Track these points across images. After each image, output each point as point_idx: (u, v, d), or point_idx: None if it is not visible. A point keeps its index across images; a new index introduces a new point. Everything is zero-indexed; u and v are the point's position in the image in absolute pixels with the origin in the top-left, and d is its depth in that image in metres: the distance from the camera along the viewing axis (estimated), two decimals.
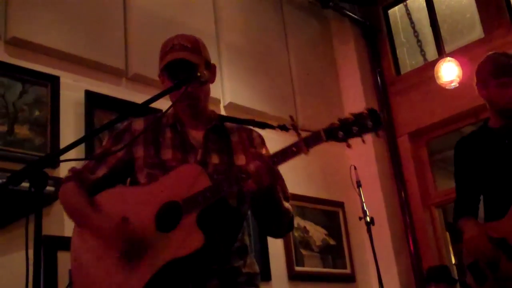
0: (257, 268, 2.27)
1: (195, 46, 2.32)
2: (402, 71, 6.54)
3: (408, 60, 6.62)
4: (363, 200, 4.41)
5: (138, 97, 4.16)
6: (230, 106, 4.99)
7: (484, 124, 3.20)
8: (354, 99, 6.26)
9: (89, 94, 4.00)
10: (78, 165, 2.38)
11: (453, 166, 3.20)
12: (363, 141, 1.93)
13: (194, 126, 2.34)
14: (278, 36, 5.80)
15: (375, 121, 1.91)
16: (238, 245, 2.20)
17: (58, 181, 3.38)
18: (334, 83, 6.37)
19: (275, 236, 2.45)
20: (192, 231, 2.02)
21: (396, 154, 6.18)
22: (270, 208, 2.18)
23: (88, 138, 3.67)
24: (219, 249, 2.11)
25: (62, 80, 3.88)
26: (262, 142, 2.40)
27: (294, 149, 1.97)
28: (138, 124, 2.35)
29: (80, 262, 2.19)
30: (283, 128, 2.32)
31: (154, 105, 2.23)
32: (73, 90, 3.96)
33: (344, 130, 1.93)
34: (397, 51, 6.63)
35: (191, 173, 2.13)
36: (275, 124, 2.39)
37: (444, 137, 6.23)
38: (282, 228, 2.31)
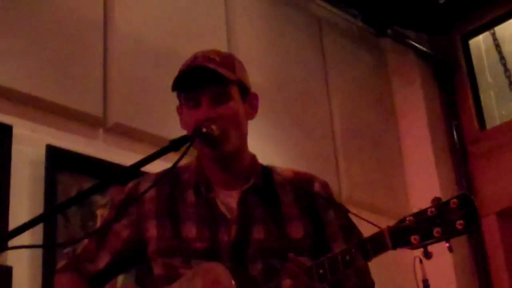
0: None
1: (226, 60, 2.34)
2: (489, 125, 6.54)
3: (497, 110, 6.62)
4: None
5: (121, 155, 4.16)
6: None
7: None
8: (421, 163, 6.27)
9: (52, 151, 4.01)
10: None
11: None
12: (450, 249, 1.81)
13: (226, 185, 2.33)
14: (315, 75, 5.84)
15: (469, 218, 1.76)
16: None
17: (5, 271, 3.38)
18: (392, 140, 6.38)
19: None
20: None
21: (479, 240, 6.13)
22: None
23: (49, 216, 3.64)
24: None
25: (15, 130, 3.90)
26: (329, 202, 2.37)
27: (347, 257, 1.93)
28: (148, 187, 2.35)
29: None
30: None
31: (146, 168, 2.24)
32: (30, 144, 3.97)
33: (420, 233, 1.82)
34: (482, 97, 6.64)
35: (216, 278, 2.11)
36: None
37: None
38: None
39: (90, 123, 4.29)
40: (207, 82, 2.26)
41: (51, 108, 4.12)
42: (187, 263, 2.19)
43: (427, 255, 1.84)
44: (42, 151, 4.01)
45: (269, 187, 2.35)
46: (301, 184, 2.37)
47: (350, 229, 2.37)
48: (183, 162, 2.26)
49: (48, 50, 4.18)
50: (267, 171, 2.40)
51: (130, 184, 2.38)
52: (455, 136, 6.48)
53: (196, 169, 2.36)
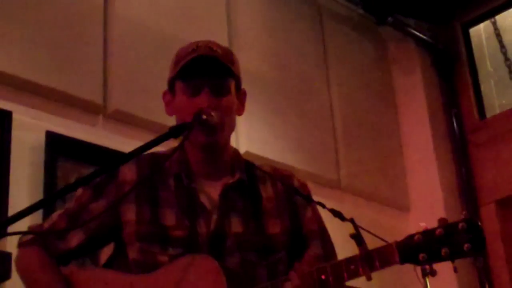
0: None
1: (227, 53, 2.36)
2: (488, 114, 6.53)
3: (497, 99, 6.61)
4: None
5: (120, 142, 4.17)
6: (245, 156, 4.96)
7: None
8: (420, 152, 6.26)
9: (51, 137, 4.02)
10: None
11: None
12: (455, 269, 1.89)
13: (209, 176, 2.35)
14: (315, 62, 5.84)
15: (475, 241, 1.84)
16: None
17: (4, 257, 3.39)
18: (391, 128, 6.38)
19: None
20: None
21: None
22: None
23: (49, 202, 3.64)
24: None
25: (15, 116, 3.91)
26: (307, 201, 2.40)
27: (352, 267, 1.96)
28: (129, 171, 2.35)
29: None
30: (336, 214, 2.24)
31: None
32: (30, 130, 3.98)
33: (428, 251, 1.88)
34: (482, 86, 6.64)
35: (206, 274, 2.11)
36: (327, 207, 2.31)
37: None
38: None
39: (90, 109, 4.30)
40: (211, 72, 2.27)
41: (51, 94, 4.12)
42: (165, 250, 2.20)
43: (432, 273, 1.90)
44: (42, 137, 4.01)
45: (251, 182, 2.37)
46: (281, 179, 2.41)
47: (326, 232, 2.42)
48: (165, 149, 2.31)
49: (48, 36, 4.18)
50: (250, 166, 2.43)
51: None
52: (455, 125, 6.46)
53: (180, 158, 2.35)
